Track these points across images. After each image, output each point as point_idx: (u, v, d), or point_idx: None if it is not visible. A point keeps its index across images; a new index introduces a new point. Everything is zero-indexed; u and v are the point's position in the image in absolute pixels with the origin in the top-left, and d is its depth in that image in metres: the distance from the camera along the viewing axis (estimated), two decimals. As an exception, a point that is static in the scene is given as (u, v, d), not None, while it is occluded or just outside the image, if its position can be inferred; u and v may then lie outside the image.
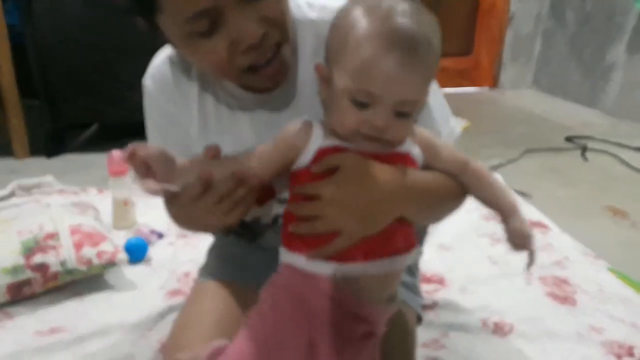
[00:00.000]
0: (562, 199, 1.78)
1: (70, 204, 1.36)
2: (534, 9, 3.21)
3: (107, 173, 1.44)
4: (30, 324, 1.05)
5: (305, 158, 0.60)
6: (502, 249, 1.37)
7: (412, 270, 0.95)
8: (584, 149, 2.24)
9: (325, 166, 0.59)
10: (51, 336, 1.01)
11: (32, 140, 2.07)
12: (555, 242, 1.42)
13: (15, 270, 1.09)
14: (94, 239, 1.20)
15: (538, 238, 1.42)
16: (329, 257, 0.59)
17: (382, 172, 0.59)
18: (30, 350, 0.97)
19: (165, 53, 0.75)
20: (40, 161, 2.04)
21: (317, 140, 0.60)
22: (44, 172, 1.78)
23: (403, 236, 0.62)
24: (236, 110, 0.73)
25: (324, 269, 0.59)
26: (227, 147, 0.61)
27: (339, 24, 0.60)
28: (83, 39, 1.94)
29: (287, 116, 0.68)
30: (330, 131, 0.61)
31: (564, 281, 1.23)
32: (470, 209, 1.59)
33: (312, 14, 0.71)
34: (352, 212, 0.58)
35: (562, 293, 1.18)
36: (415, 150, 0.64)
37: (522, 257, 0.65)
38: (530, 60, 3.36)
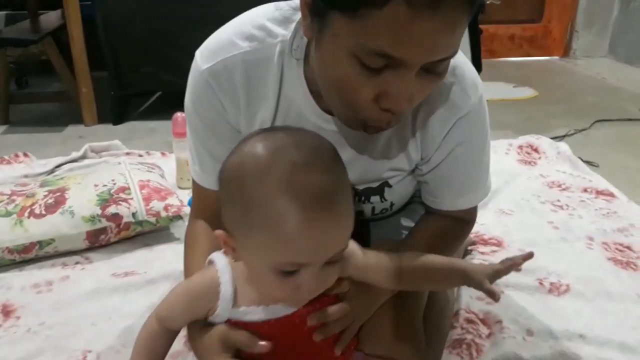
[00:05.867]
0: (632, 169, 1.69)
1: (137, 162, 1.46)
2: (611, -28, 3.01)
3: (172, 134, 1.52)
4: (107, 267, 1.15)
5: (216, 319, 0.60)
6: (564, 215, 1.35)
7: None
8: (661, 119, 2.11)
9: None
10: (125, 278, 1.10)
11: (99, 108, 2.20)
12: (620, 210, 1.36)
13: (92, 219, 1.20)
14: (161, 193, 1.29)
15: (603, 206, 1.39)
16: None
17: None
18: (108, 288, 1.06)
19: (237, 50, 0.68)
20: (107, 127, 2.17)
21: (224, 310, 0.59)
22: (111, 137, 1.89)
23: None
24: (304, 119, 0.70)
25: None
26: None
27: (234, 190, 0.54)
28: (147, 12, 2.04)
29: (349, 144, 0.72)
30: (239, 286, 0.59)
31: (627, 247, 1.19)
32: (532, 177, 1.56)
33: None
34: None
35: (624, 258, 1.14)
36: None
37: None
38: (606, 27, 3.15)
